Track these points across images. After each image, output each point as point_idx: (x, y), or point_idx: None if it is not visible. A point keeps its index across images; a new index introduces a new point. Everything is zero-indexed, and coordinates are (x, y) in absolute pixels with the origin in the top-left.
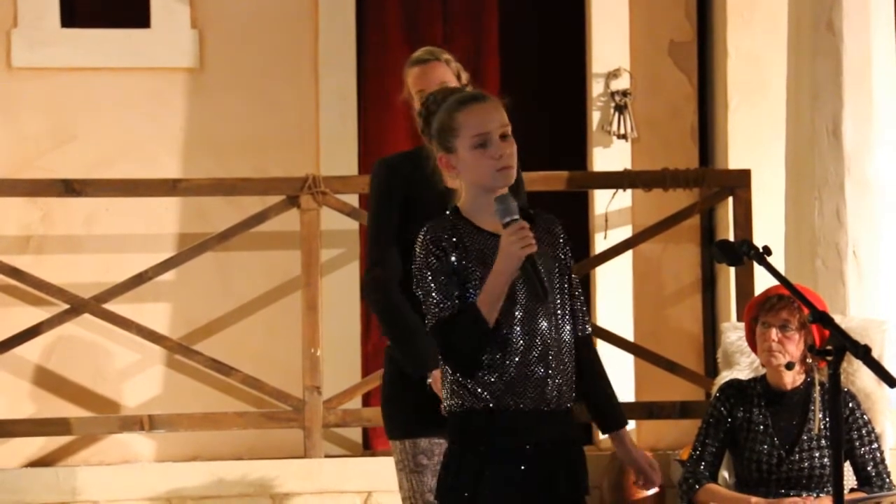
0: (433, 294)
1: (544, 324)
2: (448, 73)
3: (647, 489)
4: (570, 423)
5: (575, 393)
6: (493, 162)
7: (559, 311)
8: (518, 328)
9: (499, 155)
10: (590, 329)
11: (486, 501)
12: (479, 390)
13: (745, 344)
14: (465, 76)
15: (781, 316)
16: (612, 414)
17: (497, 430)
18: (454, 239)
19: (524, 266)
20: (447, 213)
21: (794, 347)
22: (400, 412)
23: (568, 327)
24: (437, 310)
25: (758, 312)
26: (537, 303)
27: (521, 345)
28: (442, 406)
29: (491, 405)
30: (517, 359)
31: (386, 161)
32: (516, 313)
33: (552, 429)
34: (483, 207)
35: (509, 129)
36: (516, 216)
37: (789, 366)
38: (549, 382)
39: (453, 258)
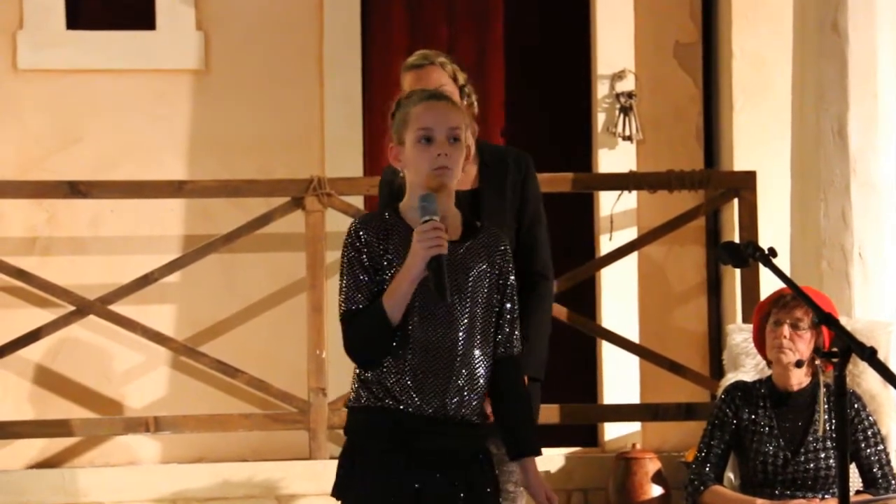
0: (345, 286)
1: (460, 334)
2: (444, 76)
3: None
4: (478, 437)
5: (485, 409)
6: (432, 159)
7: (479, 325)
8: (424, 331)
9: (437, 153)
10: (517, 350)
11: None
12: (377, 388)
13: (751, 346)
14: (461, 77)
15: (795, 314)
16: (525, 439)
17: (394, 431)
18: (380, 233)
19: (430, 265)
20: (385, 210)
21: (805, 346)
22: None
23: (489, 343)
24: (346, 301)
25: (770, 309)
26: (437, 303)
27: (429, 348)
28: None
29: (389, 403)
30: (420, 361)
31: (389, 167)
32: (432, 319)
33: (454, 439)
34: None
35: (460, 135)
36: (434, 216)
37: (798, 364)
38: (451, 391)
39: (376, 253)
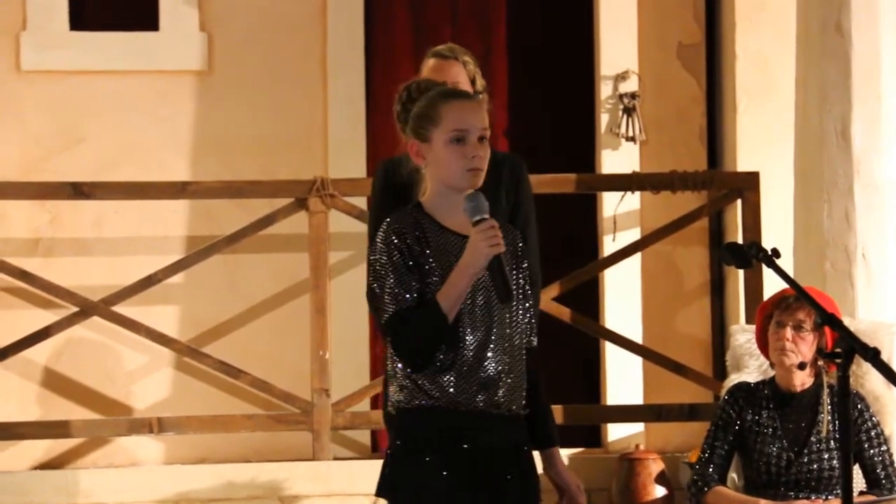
0: (392, 286)
1: (500, 326)
2: (463, 74)
3: None
4: (522, 429)
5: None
6: (465, 161)
7: (518, 317)
8: (474, 327)
9: (472, 155)
10: (535, 342)
11: (430, 503)
12: (430, 388)
13: (754, 346)
14: (480, 82)
15: (797, 316)
16: (550, 429)
17: (446, 430)
18: (417, 233)
19: (491, 265)
20: (409, 207)
21: (808, 348)
22: None
23: (524, 334)
24: (394, 303)
25: (772, 311)
26: (501, 303)
27: (477, 345)
28: (388, 402)
29: (440, 403)
30: (472, 359)
31: (385, 162)
32: (474, 313)
33: (503, 433)
34: (447, 205)
35: (488, 134)
36: (486, 215)
37: (801, 366)
38: (501, 385)
39: (416, 252)
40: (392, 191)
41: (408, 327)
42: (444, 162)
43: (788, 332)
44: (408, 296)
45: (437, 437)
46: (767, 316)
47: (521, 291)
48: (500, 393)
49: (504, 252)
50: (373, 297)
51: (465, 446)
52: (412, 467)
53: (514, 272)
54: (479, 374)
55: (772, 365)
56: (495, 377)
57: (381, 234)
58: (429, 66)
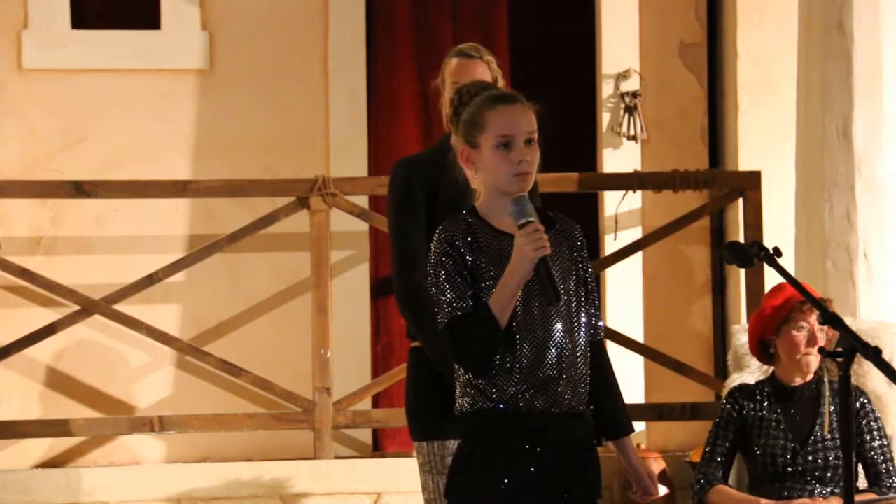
0: (446, 293)
1: (558, 326)
2: (487, 74)
3: (644, 501)
4: (584, 426)
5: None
6: (513, 166)
7: (574, 314)
8: (532, 330)
9: (518, 160)
10: (602, 334)
11: (495, 503)
12: (491, 390)
13: None
14: (501, 83)
15: (816, 316)
16: (619, 421)
17: (508, 431)
18: (469, 238)
19: (537, 268)
20: (464, 212)
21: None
22: (428, 414)
23: (583, 331)
24: (449, 309)
25: (789, 314)
26: (549, 305)
27: (534, 346)
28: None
29: (502, 405)
30: (529, 360)
31: (405, 161)
32: (530, 314)
33: (565, 431)
34: (500, 208)
35: (535, 136)
36: (531, 218)
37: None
38: (562, 384)
39: (468, 258)
40: (420, 192)
41: (463, 335)
42: (492, 167)
43: (818, 335)
44: (463, 304)
45: (499, 440)
46: (783, 320)
47: (582, 288)
48: (561, 392)
49: (553, 254)
50: (433, 300)
51: (528, 447)
52: (476, 470)
53: (574, 268)
54: (539, 375)
55: (771, 362)
56: (556, 377)
57: (434, 240)
58: (452, 65)
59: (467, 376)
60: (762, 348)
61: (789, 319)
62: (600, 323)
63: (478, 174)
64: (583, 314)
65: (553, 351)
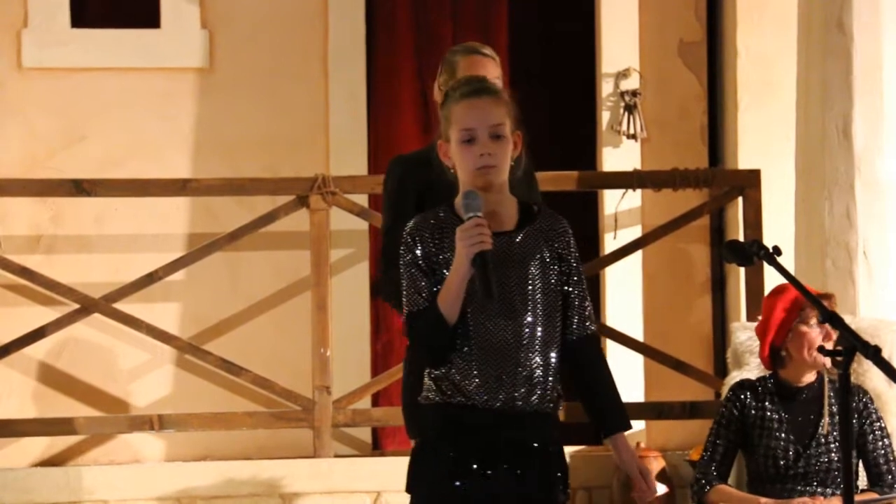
0: (406, 288)
1: (516, 323)
2: (497, 71)
3: (642, 501)
4: (549, 426)
5: (561, 394)
6: (475, 160)
7: (540, 311)
8: (485, 325)
9: (480, 153)
10: (592, 328)
11: (453, 498)
12: (446, 385)
13: (755, 344)
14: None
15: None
16: (614, 416)
17: (462, 429)
18: (435, 232)
19: (474, 262)
20: (438, 208)
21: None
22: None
23: (552, 328)
24: (408, 303)
25: (801, 312)
26: (485, 301)
27: (493, 342)
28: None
29: (458, 401)
30: (487, 356)
31: (400, 158)
32: (487, 312)
33: (522, 431)
34: None
35: (503, 130)
36: (477, 213)
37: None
38: (518, 382)
39: (430, 252)
40: (411, 190)
41: (416, 328)
42: (458, 161)
43: (830, 331)
44: (419, 297)
45: (453, 434)
46: (794, 317)
47: (561, 282)
48: (522, 391)
49: (491, 250)
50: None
51: (483, 444)
52: (430, 464)
53: (552, 263)
54: (498, 371)
55: (777, 361)
56: (511, 375)
57: (403, 236)
58: (466, 62)
59: (425, 368)
60: (773, 353)
61: (802, 317)
62: (588, 320)
63: (453, 170)
64: (558, 312)
65: (512, 350)
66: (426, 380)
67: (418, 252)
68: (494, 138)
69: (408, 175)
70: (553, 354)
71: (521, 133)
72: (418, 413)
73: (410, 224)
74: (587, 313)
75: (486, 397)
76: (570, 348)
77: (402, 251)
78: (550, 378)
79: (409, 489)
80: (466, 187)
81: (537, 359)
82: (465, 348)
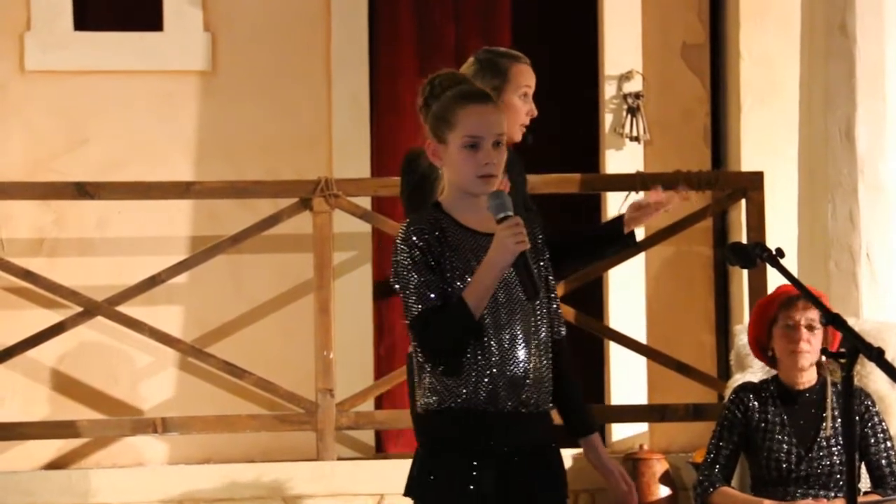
0: (415, 287)
1: (524, 324)
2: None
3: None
4: (549, 426)
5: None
6: (478, 167)
7: (538, 312)
8: (499, 328)
9: (485, 162)
10: (563, 332)
11: (465, 502)
12: (457, 389)
13: None
14: None
15: (809, 314)
16: (588, 417)
17: (473, 431)
18: (437, 233)
19: (517, 261)
20: (430, 206)
21: (818, 345)
22: None
23: (545, 329)
24: (418, 302)
25: (777, 312)
26: (528, 300)
27: (502, 344)
28: (417, 404)
29: (468, 405)
30: (497, 358)
31: (408, 153)
32: (497, 312)
33: (530, 432)
34: (463, 206)
35: (504, 138)
36: (510, 212)
37: (816, 364)
38: (529, 384)
39: (437, 251)
40: (412, 181)
41: (434, 328)
42: (457, 166)
43: (804, 333)
44: (432, 294)
45: (464, 439)
46: (771, 318)
47: (544, 284)
48: (528, 392)
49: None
50: (400, 296)
51: (493, 447)
52: (440, 469)
53: (536, 265)
54: (507, 373)
55: (771, 364)
56: (522, 376)
57: (400, 234)
58: (527, 72)
59: (433, 372)
60: (761, 350)
61: (777, 317)
62: (562, 320)
63: (443, 170)
64: (546, 312)
65: (520, 349)
66: (433, 383)
67: (427, 250)
68: (496, 146)
69: (409, 168)
70: (549, 354)
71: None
72: (427, 419)
73: (411, 224)
74: (561, 316)
75: (497, 399)
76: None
77: (409, 251)
78: (550, 377)
79: (412, 494)
80: (462, 191)
81: (543, 360)
82: (478, 351)
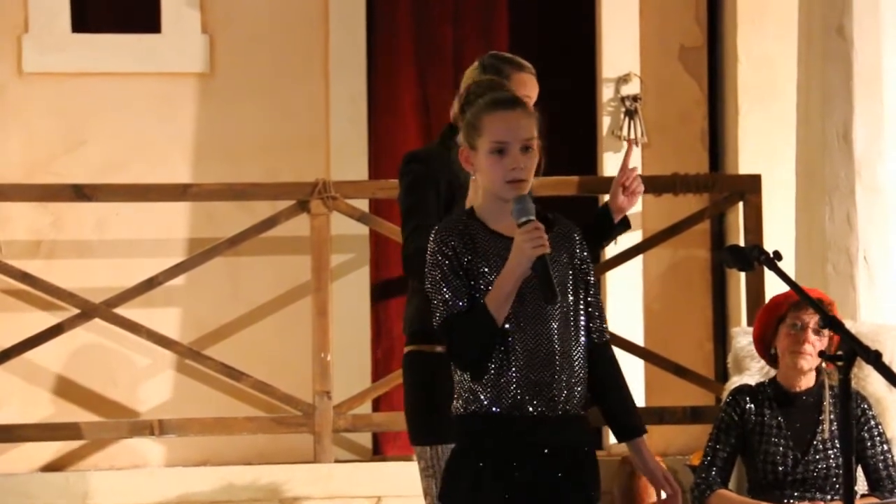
0: (443, 292)
1: (553, 327)
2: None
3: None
4: (582, 430)
5: (587, 399)
6: (505, 172)
7: (571, 316)
8: (525, 332)
9: (512, 167)
10: (607, 336)
11: None
12: (484, 392)
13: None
14: None
15: (818, 318)
16: (633, 421)
17: (502, 435)
18: (465, 239)
19: (535, 266)
20: (461, 212)
21: (819, 349)
22: (428, 417)
23: (581, 333)
24: (445, 308)
25: (786, 311)
26: (546, 304)
27: (528, 348)
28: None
29: (495, 408)
30: (522, 362)
31: (419, 154)
32: (524, 316)
33: (559, 435)
34: (495, 211)
35: (533, 143)
36: (532, 217)
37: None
38: (556, 387)
39: (464, 258)
40: (433, 177)
41: (459, 333)
42: (486, 172)
43: (810, 335)
44: (459, 302)
45: (492, 444)
46: (780, 316)
47: (582, 290)
48: (555, 395)
49: (551, 254)
50: (430, 300)
51: (521, 452)
52: (468, 472)
53: (571, 270)
54: (531, 377)
55: (773, 365)
56: (549, 380)
57: (431, 242)
58: (519, 78)
59: (461, 376)
60: (764, 347)
61: (787, 315)
62: (604, 325)
63: (475, 176)
64: (581, 316)
65: (547, 353)
66: (461, 387)
67: (462, 259)
68: (525, 150)
69: (431, 164)
70: (584, 357)
71: (542, 144)
72: (456, 423)
73: (439, 232)
74: (604, 321)
75: (526, 404)
76: (592, 353)
77: (436, 256)
78: (582, 381)
79: (444, 499)
80: (492, 196)
81: (573, 363)
82: (503, 355)
